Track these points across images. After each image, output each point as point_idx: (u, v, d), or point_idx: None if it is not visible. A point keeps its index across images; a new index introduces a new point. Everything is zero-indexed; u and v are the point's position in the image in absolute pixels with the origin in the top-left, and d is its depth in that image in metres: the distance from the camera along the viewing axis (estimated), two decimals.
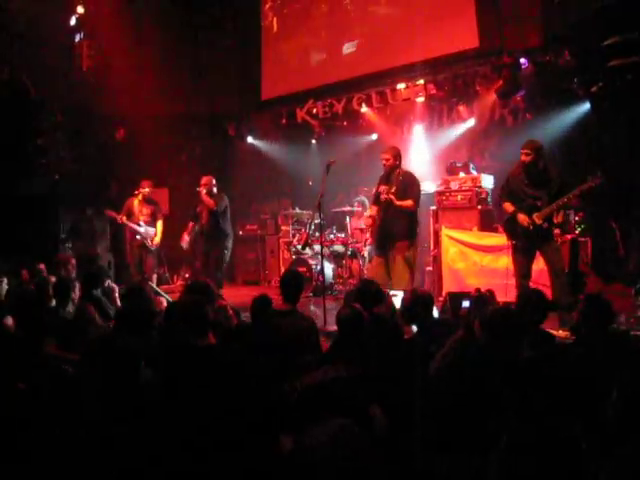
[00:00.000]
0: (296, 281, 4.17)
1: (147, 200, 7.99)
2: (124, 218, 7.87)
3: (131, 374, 2.96)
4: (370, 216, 6.39)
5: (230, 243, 7.78)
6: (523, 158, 5.56)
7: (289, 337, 3.65)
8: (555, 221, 5.53)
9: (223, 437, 2.62)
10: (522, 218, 5.56)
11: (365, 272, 7.04)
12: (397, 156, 6.15)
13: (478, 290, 3.27)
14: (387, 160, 6.11)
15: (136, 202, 7.94)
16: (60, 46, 9.27)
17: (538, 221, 5.47)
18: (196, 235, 7.81)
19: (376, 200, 6.25)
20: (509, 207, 5.72)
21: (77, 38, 9.61)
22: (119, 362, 2.84)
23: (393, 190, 5.98)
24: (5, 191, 8.14)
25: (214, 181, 7.67)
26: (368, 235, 7.18)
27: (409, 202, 6.03)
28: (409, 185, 6.04)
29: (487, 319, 2.88)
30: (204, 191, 7.49)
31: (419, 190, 6.25)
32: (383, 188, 6.10)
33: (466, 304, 3.11)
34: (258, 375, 3.02)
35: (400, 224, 6.02)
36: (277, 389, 3.05)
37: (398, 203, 5.96)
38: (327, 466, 1.54)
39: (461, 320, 3.17)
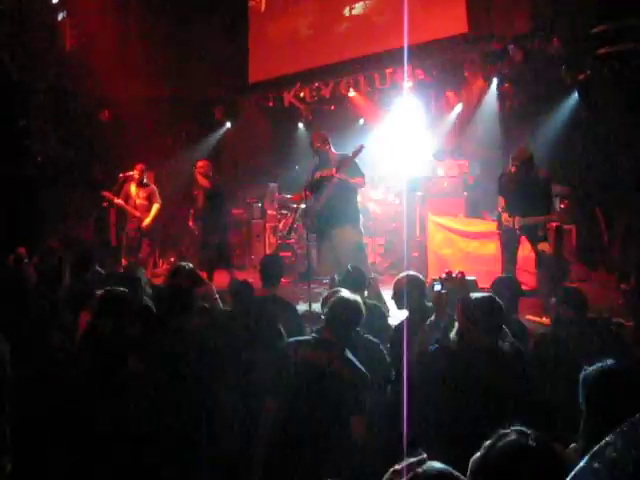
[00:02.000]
0: (275, 265, 4.15)
1: (143, 183, 7.91)
2: (119, 200, 7.79)
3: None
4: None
5: (226, 227, 7.79)
6: (513, 170, 5.63)
7: (269, 323, 3.62)
8: (538, 233, 5.64)
9: None
10: (505, 218, 5.75)
11: (314, 262, 6.89)
12: (326, 141, 6.10)
13: (449, 273, 3.25)
14: (319, 147, 6.04)
15: (133, 186, 7.87)
16: (42, 25, 9.10)
17: (516, 225, 5.64)
18: (199, 218, 7.75)
19: (314, 186, 6.05)
20: (500, 202, 5.91)
21: (60, 17, 9.42)
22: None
23: (334, 172, 5.86)
24: None
25: (210, 165, 7.62)
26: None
27: (359, 178, 5.99)
28: (353, 163, 5.95)
29: (470, 306, 2.87)
30: (200, 173, 7.46)
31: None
32: (325, 171, 5.99)
33: (438, 287, 3.08)
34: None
35: (349, 206, 5.97)
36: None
37: (352, 180, 5.90)
38: None
39: (433, 303, 3.15)
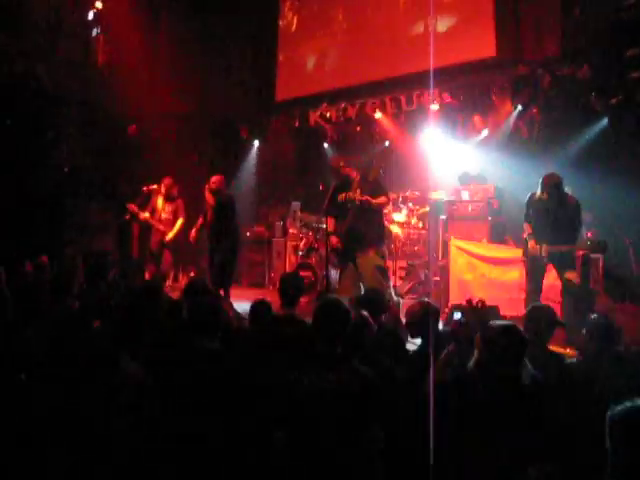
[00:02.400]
0: (294, 284, 4.08)
1: (170, 198, 7.94)
2: (144, 214, 7.81)
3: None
4: (332, 233, 6.07)
5: (235, 245, 7.60)
6: (544, 197, 5.53)
7: (286, 342, 3.55)
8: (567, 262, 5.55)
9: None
10: (531, 245, 5.62)
11: (335, 282, 6.82)
12: (346, 163, 6.10)
13: (469, 301, 3.14)
14: (340, 170, 6.01)
15: (160, 199, 7.91)
16: (76, 40, 9.27)
17: (544, 253, 5.52)
18: (203, 233, 7.73)
19: (338, 210, 6.02)
20: (527, 229, 5.79)
21: (94, 33, 9.60)
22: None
23: (358, 194, 5.83)
24: (15, 183, 8.13)
25: (223, 181, 7.55)
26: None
27: (382, 198, 5.95)
28: (376, 184, 5.91)
29: (489, 334, 2.76)
30: (209, 188, 7.40)
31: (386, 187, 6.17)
32: (347, 195, 5.94)
33: (458, 316, 2.98)
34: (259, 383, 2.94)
35: (371, 229, 5.89)
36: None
37: (375, 201, 5.84)
38: None
39: (452, 333, 3.05)
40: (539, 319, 3.53)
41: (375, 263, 5.78)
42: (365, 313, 3.49)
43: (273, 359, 3.25)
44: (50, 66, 8.78)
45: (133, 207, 7.86)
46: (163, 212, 7.87)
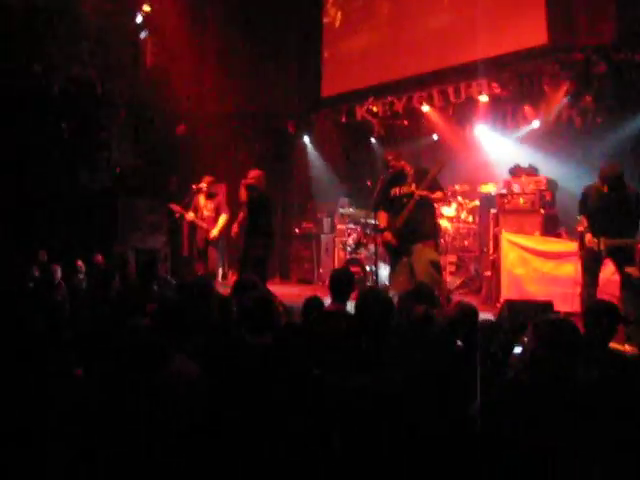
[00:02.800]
0: (345, 280, 4.06)
1: (210, 195, 8.02)
2: (189, 215, 7.90)
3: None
4: (385, 228, 5.95)
5: (267, 241, 7.54)
6: (605, 189, 5.34)
7: (335, 338, 3.54)
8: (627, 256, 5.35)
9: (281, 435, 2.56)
10: (588, 239, 5.45)
11: (388, 278, 6.72)
12: (400, 156, 5.97)
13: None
14: (393, 166, 5.88)
15: (201, 198, 8.00)
16: (126, 43, 9.49)
17: (602, 247, 5.35)
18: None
19: (390, 204, 5.92)
20: (582, 223, 5.63)
21: (142, 35, 9.81)
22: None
23: (413, 188, 5.72)
24: (68, 183, 8.39)
25: (261, 177, 7.45)
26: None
27: (439, 194, 5.87)
28: (432, 179, 5.75)
29: (543, 330, 2.68)
30: (244, 183, 7.35)
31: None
32: (403, 188, 5.83)
33: (518, 350, 2.85)
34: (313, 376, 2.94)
35: (426, 223, 5.80)
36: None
37: (434, 196, 5.77)
38: None
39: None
40: (600, 315, 3.38)
41: (430, 258, 5.69)
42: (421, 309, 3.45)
43: (324, 355, 3.25)
44: (102, 70, 9.02)
45: (176, 207, 7.99)
46: (205, 210, 7.94)
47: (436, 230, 6.04)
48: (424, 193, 5.66)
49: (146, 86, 9.37)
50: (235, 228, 7.62)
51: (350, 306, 4.08)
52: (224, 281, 9.02)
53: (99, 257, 7.40)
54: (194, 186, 8.01)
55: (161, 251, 8.94)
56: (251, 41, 10.27)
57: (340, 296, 4.03)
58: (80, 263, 6.80)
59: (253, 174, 7.40)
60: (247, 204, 7.29)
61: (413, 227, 5.71)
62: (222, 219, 7.95)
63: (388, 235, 5.89)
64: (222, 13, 10.12)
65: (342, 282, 4.08)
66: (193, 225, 8.16)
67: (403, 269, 5.79)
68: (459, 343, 3.59)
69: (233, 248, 9.30)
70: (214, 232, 7.90)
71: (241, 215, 7.58)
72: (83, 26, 8.93)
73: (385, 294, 3.02)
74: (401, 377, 2.70)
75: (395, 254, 5.94)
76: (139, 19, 9.75)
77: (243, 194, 7.29)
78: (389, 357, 2.96)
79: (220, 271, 8.40)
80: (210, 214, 7.97)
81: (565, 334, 2.63)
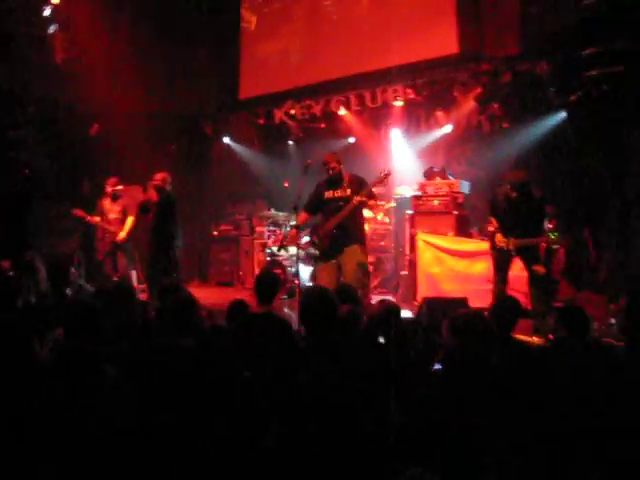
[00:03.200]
0: (271, 282, 4.10)
1: (115, 197, 7.87)
2: (95, 218, 7.76)
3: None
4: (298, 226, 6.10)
5: (175, 244, 7.47)
6: (513, 195, 5.66)
7: (265, 339, 3.58)
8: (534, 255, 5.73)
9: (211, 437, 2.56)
10: (499, 239, 5.78)
11: (313, 281, 6.88)
12: (340, 161, 6.08)
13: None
14: (334, 167, 5.97)
15: (107, 201, 7.87)
16: (33, 37, 9.04)
17: (511, 247, 5.69)
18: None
19: (325, 207, 6.04)
20: (493, 223, 5.96)
21: (51, 29, 9.38)
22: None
23: (349, 192, 5.86)
24: None
25: (169, 179, 7.44)
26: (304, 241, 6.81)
27: (372, 202, 6.08)
28: (363, 184, 5.92)
29: (458, 323, 2.88)
30: (153, 185, 7.33)
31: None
32: (338, 192, 5.95)
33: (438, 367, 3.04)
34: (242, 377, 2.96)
35: (358, 228, 5.98)
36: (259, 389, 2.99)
37: (369, 203, 5.95)
38: None
39: None
40: (504, 311, 3.67)
41: (359, 260, 5.82)
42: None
43: (255, 354, 3.28)
44: (6, 64, 8.55)
45: (78, 212, 7.82)
46: (111, 213, 7.82)
47: (365, 235, 6.19)
48: (363, 199, 5.79)
49: (56, 83, 8.95)
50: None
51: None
52: (139, 285, 8.79)
53: (5, 264, 7.05)
54: (110, 189, 7.83)
55: (74, 256, 8.60)
56: (168, 40, 10.08)
57: (266, 298, 4.07)
58: None
59: (159, 176, 7.38)
60: (156, 205, 7.26)
61: (346, 230, 5.84)
62: (129, 221, 7.84)
63: (293, 233, 6.06)
64: (138, 10, 9.85)
65: (267, 284, 4.12)
66: (105, 229, 7.97)
67: (330, 270, 5.90)
68: (382, 340, 3.74)
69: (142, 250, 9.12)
70: (122, 234, 7.78)
71: (150, 217, 7.50)
72: None
73: (329, 293, 3.10)
74: (335, 375, 2.78)
75: (325, 254, 6.03)
76: (47, 12, 9.31)
77: (154, 195, 7.25)
78: (326, 356, 3.03)
79: (134, 275, 8.19)
80: (117, 216, 7.85)
81: (476, 325, 2.84)
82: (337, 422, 2.57)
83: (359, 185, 5.88)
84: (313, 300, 3.11)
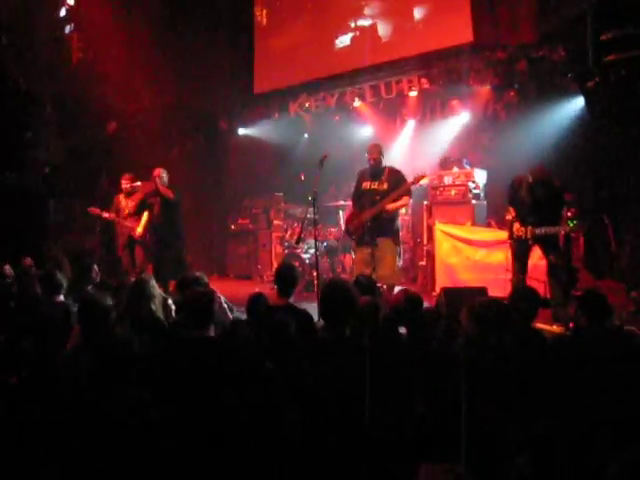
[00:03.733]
0: (291, 274, 4.13)
1: (129, 193, 7.96)
2: (111, 214, 7.85)
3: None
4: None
5: (180, 233, 7.70)
6: (530, 183, 5.63)
7: (281, 331, 3.61)
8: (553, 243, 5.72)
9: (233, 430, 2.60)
10: (517, 228, 5.76)
11: (352, 266, 6.94)
12: (382, 153, 6.04)
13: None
14: (375, 159, 5.96)
15: (122, 197, 7.95)
16: (50, 38, 9.15)
17: (529, 235, 5.67)
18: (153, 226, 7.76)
19: (362, 197, 6.05)
20: (510, 212, 5.94)
21: (67, 30, 9.48)
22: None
23: (386, 187, 5.88)
24: None
25: (164, 173, 7.56)
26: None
27: (404, 200, 6.01)
28: (401, 181, 5.98)
29: (476, 309, 2.90)
30: (159, 181, 7.43)
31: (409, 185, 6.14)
32: (377, 184, 5.95)
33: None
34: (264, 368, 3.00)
35: (390, 221, 5.94)
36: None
37: (393, 206, 5.87)
38: None
39: None
40: (520, 298, 3.68)
41: (392, 253, 5.83)
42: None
43: (274, 346, 3.32)
44: (24, 65, 8.67)
45: (94, 210, 7.90)
46: (126, 209, 7.90)
47: (398, 229, 6.14)
48: (387, 207, 5.80)
49: (73, 83, 9.05)
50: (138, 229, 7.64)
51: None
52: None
53: (28, 260, 7.16)
54: (129, 185, 7.92)
55: (94, 252, 8.71)
56: (182, 37, 10.13)
57: (285, 290, 4.11)
58: (7, 268, 6.55)
59: (158, 172, 7.48)
60: (167, 201, 7.34)
61: (380, 223, 5.84)
62: (145, 216, 7.92)
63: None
64: (151, 8, 9.90)
65: (288, 277, 4.16)
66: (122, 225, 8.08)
67: (365, 256, 5.93)
68: (403, 330, 3.76)
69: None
70: (138, 229, 7.86)
71: (156, 212, 7.61)
72: (2, 21, 8.55)
73: (348, 284, 3.14)
74: (355, 366, 2.80)
75: (359, 241, 6.06)
76: (63, 13, 9.41)
77: (167, 190, 7.37)
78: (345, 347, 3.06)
79: (146, 270, 8.29)
80: (132, 212, 7.92)
81: (494, 310, 2.86)
82: (355, 413, 2.60)
83: (397, 181, 5.87)
84: (332, 291, 3.14)
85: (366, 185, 6.01)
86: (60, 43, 9.34)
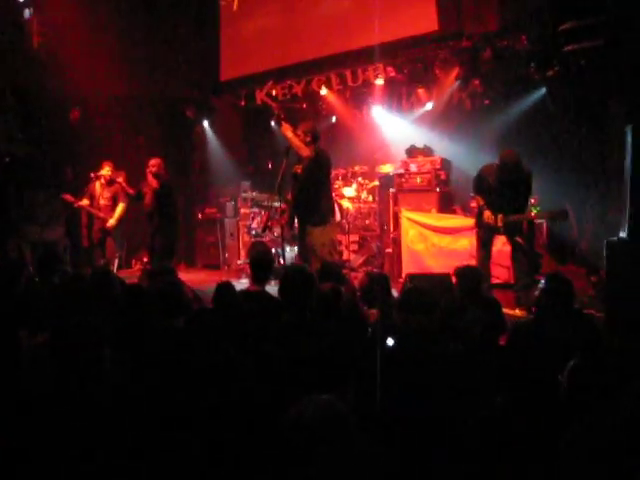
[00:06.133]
0: (266, 262, 4.16)
1: (109, 182, 7.83)
2: (83, 202, 7.73)
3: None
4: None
5: (174, 227, 7.72)
6: (500, 172, 5.69)
7: (254, 317, 3.64)
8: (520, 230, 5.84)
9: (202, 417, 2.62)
10: (487, 215, 5.83)
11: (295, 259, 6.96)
12: (309, 132, 5.83)
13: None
14: (298, 135, 5.80)
15: (98, 185, 7.81)
16: (8, 22, 8.88)
17: (499, 223, 5.77)
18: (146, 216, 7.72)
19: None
20: (478, 200, 6.03)
21: (26, 14, 9.21)
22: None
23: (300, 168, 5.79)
24: None
25: (162, 164, 7.54)
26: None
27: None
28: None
29: (403, 299, 3.02)
30: (151, 172, 7.38)
31: (327, 169, 5.98)
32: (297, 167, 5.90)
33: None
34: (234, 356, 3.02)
35: (314, 204, 5.81)
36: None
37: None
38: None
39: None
40: (466, 278, 3.93)
41: (322, 238, 5.76)
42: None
43: (240, 333, 3.34)
44: None
45: (68, 197, 7.79)
46: (102, 198, 7.81)
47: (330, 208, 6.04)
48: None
49: (34, 69, 8.81)
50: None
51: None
52: (122, 270, 8.80)
53: None
54: (93, 174, 7.80)
55: (60, 243, 8.57)
56: (147, 23, 9.94)
57: (260, 278, 4.14)
58: None
59: (154, 162, 7.41)
60: (156, 191, 7.29)
61: (306, 206, 5.86)
62: (120, 208, 7.84)
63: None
64: None
65: (263, 264, 4.19)
66: (90, 214, 7.97)
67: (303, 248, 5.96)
68: (374, 311, 3.83)
69: (136, 236, 9.13)
70: (111, 221, 7.78)
71: (147, 202, 7.54)
72: None
73: (307, 270, 3.19)
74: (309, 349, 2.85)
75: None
76: None
77: (153, 181, 7.30)
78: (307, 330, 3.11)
79: (116, 261, 8.23)
80: (107, 203, 7.84)
81: (419, 300, 2.96)
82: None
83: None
84: (290, 276, 3.19)
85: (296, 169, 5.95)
86: (19, 27, 9.06)
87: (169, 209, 7.52)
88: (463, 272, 4.05)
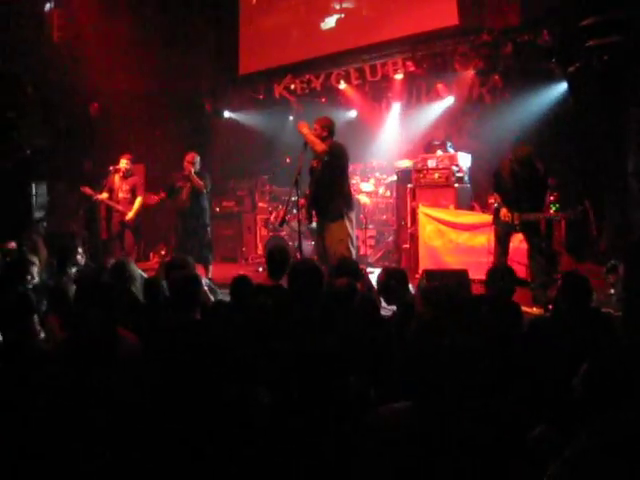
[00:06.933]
0: (282, 256, 4.16)
1: (127, 175, 7.82)
2: (102, 195, 7.74)
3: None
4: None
5: (208, 219, 7.76)
6: (515, 169, 5.64)
7: (269, 311, 3.64)
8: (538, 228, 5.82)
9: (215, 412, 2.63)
10: (504, 213, 5.78)
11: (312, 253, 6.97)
12: (326, 127, 5.79)
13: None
14: (314, 130, 5.75)
15: (117, 178, 7.79)
16: (30, 16, 8.97)
17: (516, 221, 5.71)
18: (178, 212, 7.73)
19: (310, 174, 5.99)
20: (496, 198, 5.99)
21: (47, 7, 9.29)
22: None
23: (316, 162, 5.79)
24: None
25: (198, 158, 7.52)
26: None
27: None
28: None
29: (428, 293, 2.98)
30: (192, 170, 7.37)
31: (344, 163, 5.90)
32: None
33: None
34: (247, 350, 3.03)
35: (331, 198, 5.76)
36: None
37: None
38: None
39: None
40: (495, 277, 3.83)
41: (339, 234, 5.72)
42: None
43: (254, 327, 3.35)
44: (2, 45, 8.50)
45: (87, 189, 7.78)
46: (120, 191, 7.76)
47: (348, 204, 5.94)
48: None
49: (55, 62, 8.90)
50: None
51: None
52: (140, 263, 8.86)
53: (12, 244, 7.10)
54: (112, 167, 7.81)
55: (78, 235, 8.64)
56: (166, 16, 9.98)
57: (276, 272, 4.14)
58: None
59: (190, 158, 7.44)
60: (199, 190, 7.38)
61: (322, 201, 5.84)
62: (138, 201, 7.80)
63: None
64: None
65: (278, 258, 4.19)
66: (109, 207, 7.99)
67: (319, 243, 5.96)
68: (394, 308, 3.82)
69: (154, 230, 9.20)
70: (130, 214, 7.74)
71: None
72: None
73: (315, 265, 3.18)
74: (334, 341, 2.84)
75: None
76: None
77: (200, 183, 7.38)
78: (318, 325, 3.11)
79: (134, 254, 8.28)
80: (125, 195, 7.80)
81: (446, 295, 2.93)
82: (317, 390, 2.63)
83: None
84: (299, 272, 3.18)
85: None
86: (40, 21, 9.14)
87: (205, 203, 7.60)
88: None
